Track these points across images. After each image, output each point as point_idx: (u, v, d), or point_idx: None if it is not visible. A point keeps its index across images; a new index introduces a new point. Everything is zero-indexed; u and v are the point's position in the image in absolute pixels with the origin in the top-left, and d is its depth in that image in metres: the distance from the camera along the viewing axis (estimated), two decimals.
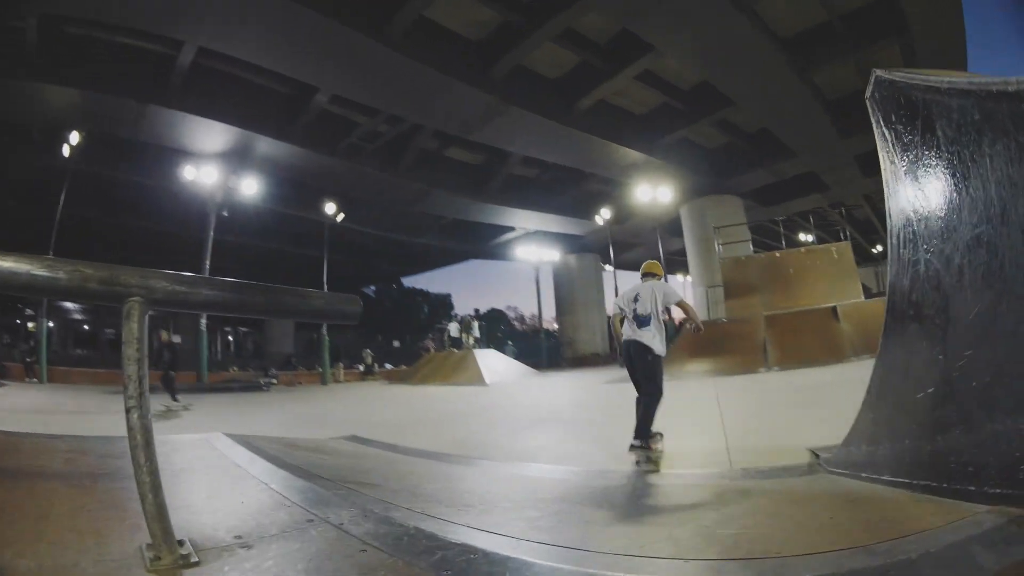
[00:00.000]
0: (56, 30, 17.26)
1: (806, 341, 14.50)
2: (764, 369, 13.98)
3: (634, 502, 4.03)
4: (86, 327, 50.52)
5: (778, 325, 15.32)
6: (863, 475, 3.54)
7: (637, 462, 5.48)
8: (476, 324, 23.49)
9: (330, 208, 25.55)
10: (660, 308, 6.02)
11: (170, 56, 18.50)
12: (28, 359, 21.53)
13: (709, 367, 14.66)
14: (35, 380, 19.66)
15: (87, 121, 20.29)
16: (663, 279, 6.51)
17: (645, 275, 6.40)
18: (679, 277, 41.31)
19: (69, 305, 47.41)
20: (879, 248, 39.00)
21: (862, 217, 34.85)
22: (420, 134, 23.18)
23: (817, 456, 4.68)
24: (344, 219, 26.52)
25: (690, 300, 26.51)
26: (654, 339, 5.92)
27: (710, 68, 19.11)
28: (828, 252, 17.60)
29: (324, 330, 24.10)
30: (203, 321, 21.17)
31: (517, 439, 7.41)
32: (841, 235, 18.63)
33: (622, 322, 6.25)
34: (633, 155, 23.49)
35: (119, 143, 22.68)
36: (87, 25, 17.23)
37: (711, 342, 14.93)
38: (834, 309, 15.16)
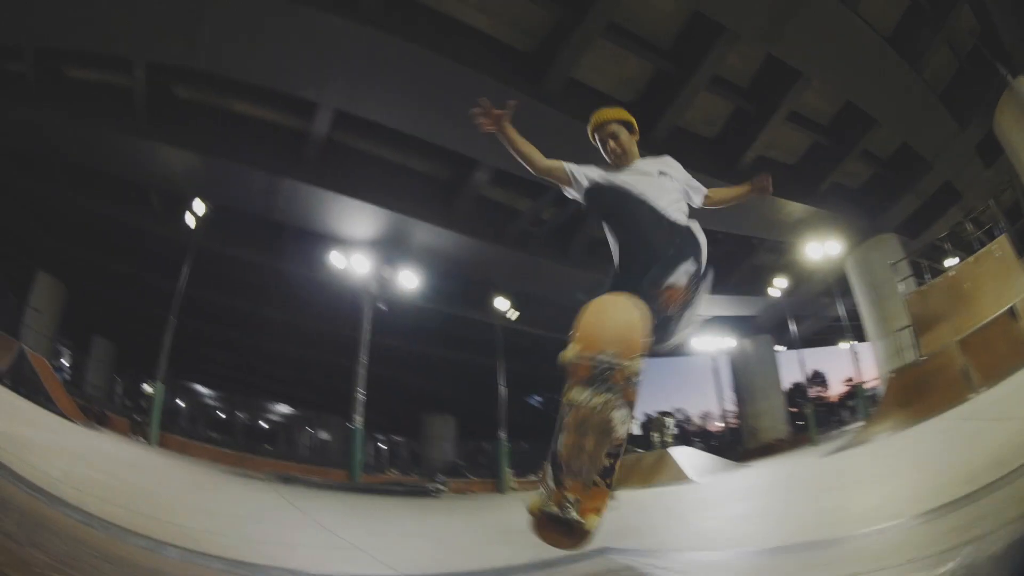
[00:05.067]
0: (165, 92, 18.08)
1: (1000, 350, 13.49)
2: (973, 395, 12.88)
3: None
4: (221, 414, 53.81)
5: (971, 346, 14.16)
6: None
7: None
8: (669, 421, 22.60)
9: (502, 304, 24.10)
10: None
11: (302, 127, 18.85)
12: (137, 417, 21.62)
13: (919, 413, 13.57)
14: (141, 439, 19.36)
15: (212, 191, 20.59)
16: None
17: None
18: (845, 345, 38.75)
19: (204, 389, 51.44)
20: None
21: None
22: (591, 217, 21.96)
23: None
24: (517, 319, 25.20)
25: (873, 366, 25.27)
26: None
27: (848, 83, 18.34)
28: (990, 254, 16.60)
29: (502, 434, 22.81)
30: (357, 419, 19.88)
31: None
32: (993, 232, 17.33)
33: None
34: (796, 209, 22.33)
35: (248, 220, 22.95)
36: (198, 86, 18.17)
37: (915, 386, 14.00)
38: (1011, 310, 14.27)
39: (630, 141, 3.90)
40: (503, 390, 23.65)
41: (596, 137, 3.94)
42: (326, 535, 6.65)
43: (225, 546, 4.67)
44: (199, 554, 3.99)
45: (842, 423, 33.73)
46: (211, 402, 54.28)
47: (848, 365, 27.14)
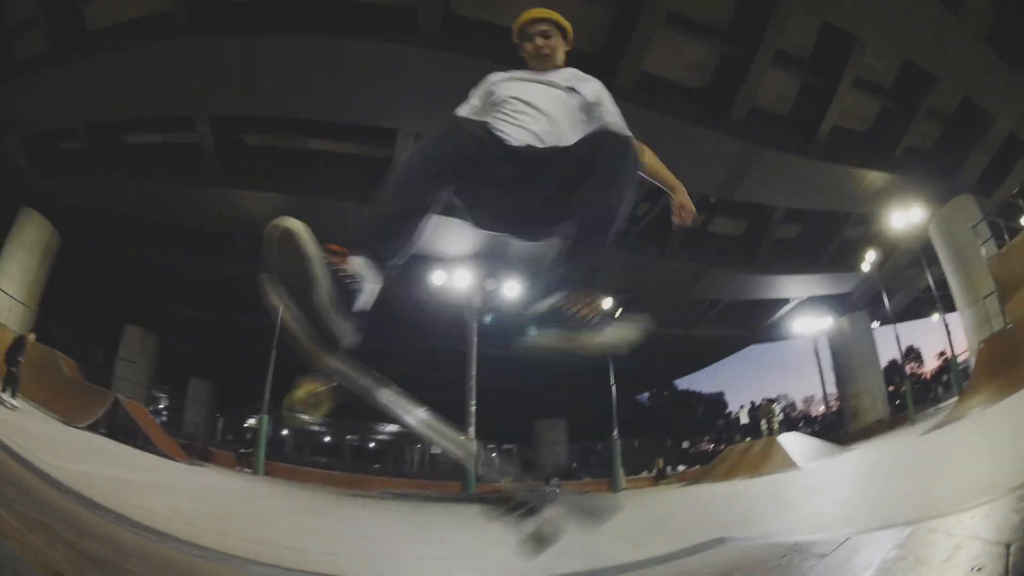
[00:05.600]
0: (233, 140, 18.94)
1: None
2: None
3: None
4: (327, 438, 54.45)
5: None
6: None
7: None
8: (775, 408, 22.24)
9: (606, 304, 24.11)
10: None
11: (385, 155, 19.19)
12: (242, 450, 22.53)
13: (1010, 384, 13.09)
14: (248, 470, 20.44)
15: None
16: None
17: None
18: (937, 317, 37.53)
19: (308, 418, 52.48)
20: None
21: None
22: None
23: None
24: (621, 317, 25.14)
25: (964, 337, 24.33)
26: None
27: (899, 40, 17.89)
28: None
29: (615, 434, 23.49)
30: (471, 431, 20.65)
31: None
32: None
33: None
34: (875, 178, 21.93)
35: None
36: (268, 132, 19.00)
37: (1004, 355, 13.30)
38: None
39: (561, 46, 3.34)
40: (613, 389, 24.13)
41: (524, 34, 3.34)
42: (449, 546, 6.79)
43: (350, 566, 4.84)
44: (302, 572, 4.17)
45: (937, 400, 32.87)
46: (317, 428, 54.17)
47: (940, 337, 26.25)
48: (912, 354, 72.93)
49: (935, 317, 31.60)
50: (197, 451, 21.23)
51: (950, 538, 1.99)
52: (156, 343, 31.07)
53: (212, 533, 5.10)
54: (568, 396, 39.64)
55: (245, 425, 39.61)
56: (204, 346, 34.47)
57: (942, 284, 24.53)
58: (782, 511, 7.22)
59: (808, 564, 2.45)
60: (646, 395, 59.81)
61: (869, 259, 26.05)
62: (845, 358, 33.96)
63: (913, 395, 26.53)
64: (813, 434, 22.77)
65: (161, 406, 35.90)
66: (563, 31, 3.35)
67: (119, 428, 16.05)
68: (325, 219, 20.52)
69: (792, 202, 22.87)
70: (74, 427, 13.57)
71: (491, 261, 21.98)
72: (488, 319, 22.04)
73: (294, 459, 35.75)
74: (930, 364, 68.23)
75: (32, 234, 21.84)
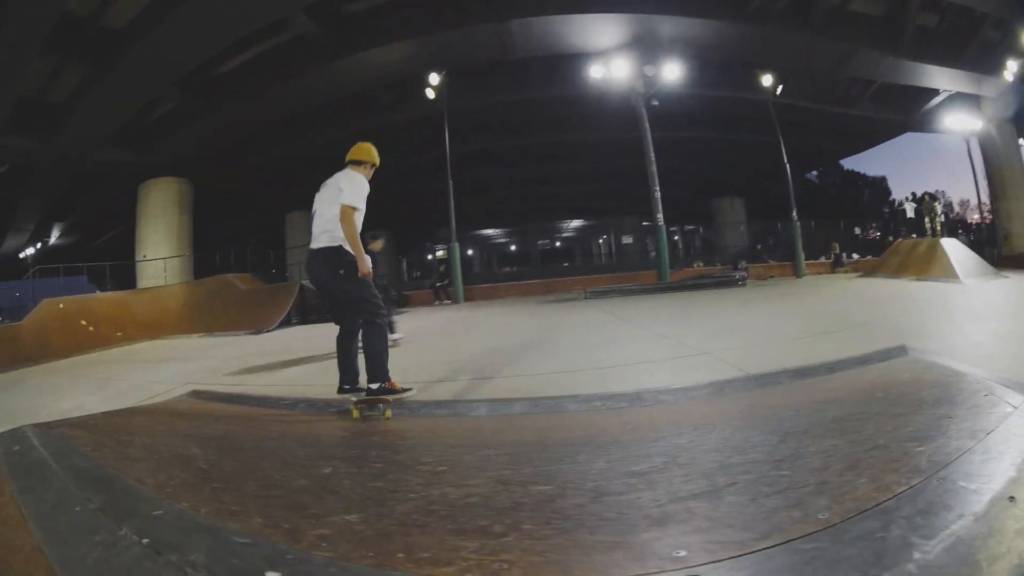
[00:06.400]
0: (333, 18, 19.23)
1: None
2: None
3: None
4: (513, 247, 56.33)
5: None
6: None
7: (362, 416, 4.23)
8: (937, 206, 21.57)
9: (767, 80, 24.10)
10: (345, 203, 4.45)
11: None
12: (438, 284, 23.25)
13: None
14: (447, 302, 21.56)
15: (442, 61, 21.59)
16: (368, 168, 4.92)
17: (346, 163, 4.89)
18: None
19: (491, 232, 53.53)
20: None
21: None
22: None
23: None
24: (780, 93, 25.07)
25: None
26: (334, 241, 4.49)
27: None
28: None
29: (795, 215, 24.10)
30: (659, 216, 20.82)
31: None
32: None
33: None
34: None
35: (490, 69, 23.91)
36: None
37: None
38: None
39: None
40: (788, 168, 24.19)
41: (372, 166, 5.05)
42: (670, 346, 7.01)
43: (581, 383, 5.10)
44: (557, 399, 4.46)
45: None
46: (502, 240, 56.78)
47: None
48: None
49: None
50: (392, 300, 22.90)
51: None
52: None
53: (437, 385, 5.57)
54: (743, 175, 39.65)
55: (428, 259, 41.54)
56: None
57: None
58: (949, 328, 7.30)
59: (1003, 411, 2.69)
60: (814, 173, 58.19)
61: (1011, 69, 24.45)
62: (996, 167, 32.17)
63: None
64: (969, 245, 21.91)
65: None
66: None
67: (309, 311, 17.06)
68: (460, 48, 21.14)
69: None
70: (266, 331, 14.59)
71: (644, 46, 21.44)
72: (655, 103, 21.88)
73: (485, 277, 36.63)
74: None
75: (160, 196, 23.69)
